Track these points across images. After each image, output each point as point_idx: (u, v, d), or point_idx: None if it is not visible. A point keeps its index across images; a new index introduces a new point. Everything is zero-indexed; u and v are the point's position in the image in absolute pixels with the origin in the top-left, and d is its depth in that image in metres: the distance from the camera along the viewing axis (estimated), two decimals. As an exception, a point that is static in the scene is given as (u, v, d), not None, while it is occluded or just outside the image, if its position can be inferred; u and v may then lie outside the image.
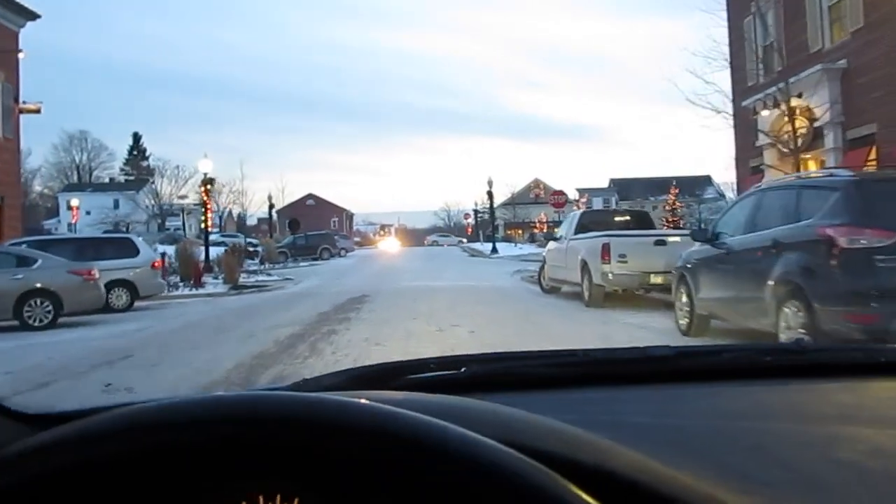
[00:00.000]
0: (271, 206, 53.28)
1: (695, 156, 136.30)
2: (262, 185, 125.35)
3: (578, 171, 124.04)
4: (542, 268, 19.24)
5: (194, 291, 21.49)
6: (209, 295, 20.90)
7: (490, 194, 48.50)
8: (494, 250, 46.83)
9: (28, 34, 28.02)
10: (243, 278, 27.76)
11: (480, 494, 0.56)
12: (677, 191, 48.08)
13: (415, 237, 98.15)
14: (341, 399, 0.65)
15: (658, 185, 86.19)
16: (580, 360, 1.26)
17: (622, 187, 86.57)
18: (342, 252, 50.27)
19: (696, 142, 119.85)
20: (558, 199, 31.10)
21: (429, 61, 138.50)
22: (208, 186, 29.82)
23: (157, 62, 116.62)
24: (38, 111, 29.41)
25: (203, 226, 30.95)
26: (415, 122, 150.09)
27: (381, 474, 0.60)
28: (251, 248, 44.46)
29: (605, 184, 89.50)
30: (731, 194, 67.67)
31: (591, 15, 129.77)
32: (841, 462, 0.78)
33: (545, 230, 74.86)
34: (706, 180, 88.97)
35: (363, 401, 0.65)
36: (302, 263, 42.58)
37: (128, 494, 0.62)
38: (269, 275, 29.27)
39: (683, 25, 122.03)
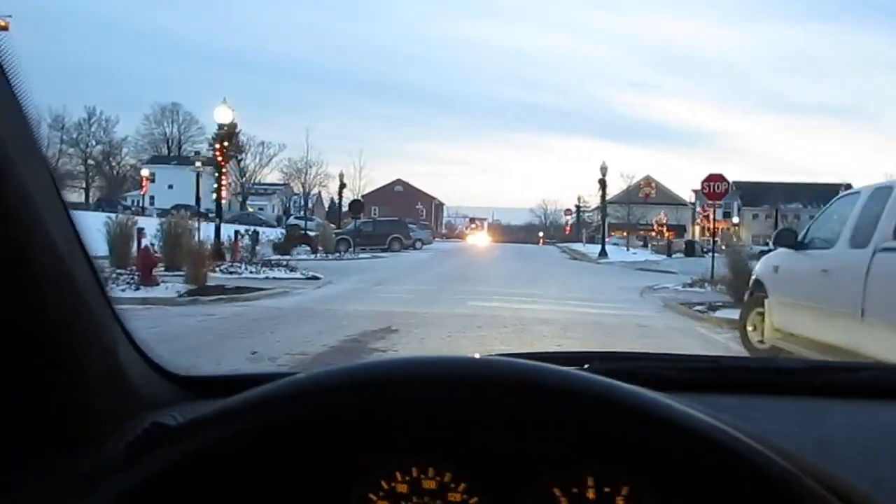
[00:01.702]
0: (342, 186, 44.50)
1: (825, 163, 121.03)
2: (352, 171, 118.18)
3: (691, 174, 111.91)
4: (750, 302, 9.27)
5: (126, 294, 12.42)
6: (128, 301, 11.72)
7: (603, 183, 38.29)
8: (603, 254, 36.68)
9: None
10: (247, 274, 18.72)
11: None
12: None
13: (509, 234, 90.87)
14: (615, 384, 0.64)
15: (788, 191, 74.26)
16: (707, 366, 1.20)
17: (746, 192, 74.58)
18: (417, 244, 41.06)
19: (827, 149, 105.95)
20: (716, 188, 20.83)
21: (532, 58, 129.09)
22: (225, 142, 20.88)
23: (265, 48, 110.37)
24: (5, 28, 21.14)
25: (236, 199, 22.06)
26: (516, 119, 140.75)
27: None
28: (306, 234, 35.84)
29: (736, 175, 77.45)
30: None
31: (703, 17, 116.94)
32: None
33: (663, 233, 64.17)
34: (844, 188, 76.39)
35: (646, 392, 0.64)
36: (362, 255, 33.53)
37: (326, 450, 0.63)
38: (292, 270, 20.13)
39: (798, 32, 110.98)
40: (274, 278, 18.31)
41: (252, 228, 27.38)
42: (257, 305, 12.89)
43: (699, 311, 13.94)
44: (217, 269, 18.61)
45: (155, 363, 0.86)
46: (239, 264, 20.05)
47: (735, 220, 73.57)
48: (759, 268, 9.34)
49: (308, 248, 33.35)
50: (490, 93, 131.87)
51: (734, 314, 13.22)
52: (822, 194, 75.18)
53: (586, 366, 1.07)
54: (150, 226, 19.07)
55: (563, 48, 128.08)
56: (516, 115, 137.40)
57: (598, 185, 38.80)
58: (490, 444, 0.63)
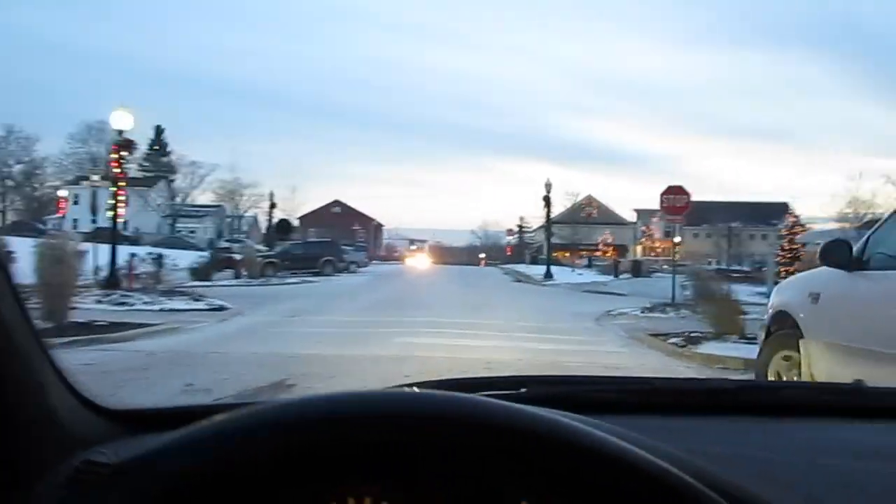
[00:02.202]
0: (272, 206, 41.36)
1: (761, 183, 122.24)
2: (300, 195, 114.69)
3: (632, 195, 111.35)
4: (773, 342, 6.61)
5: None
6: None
7: (548, 200, 36.01)
8: (549, 275, 34.39)
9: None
10: (141, 305, 15.70)
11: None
12: (793, 217, 34.88)
13: (450, 255, 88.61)
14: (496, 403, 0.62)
15: (728, 210, 73.51)
16: (640, 388, 1.23)
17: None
18: (352, 267, 38.17)
19: (762, 170, 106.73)
20: (676, 202, 18.61)
21: (474, 81, 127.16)
22: (123, 154, 17.88)
23: (200, 68, 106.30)
24: None
25: (166, 221, 19.09)
26: (458, 141, 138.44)
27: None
28: (230, 258, 32.72)
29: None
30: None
31: (644, 42, 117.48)
32: None
33: (607, 253, 62.46)
34: (782, 207, 76.24)
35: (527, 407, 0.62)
36: (289, 280, 30.53)
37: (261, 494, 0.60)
38: (197, 299, 17.16)
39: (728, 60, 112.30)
40: (171, 310, 15.35)
41: (156, 252, 24.22)
42: (125, 349, 10.00)
43: (676, 344, 11.52)
44: (103, 300, 15.59)
45: (86, 398, 0.81)
46: (131, 294, 16.99)
47: (677, 239, 72.60)
48: (783, 295, 6.78)
49: (233, 273, 30.32)
50: (433, 115, 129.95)
51: (722, 349, 10.84)
52: (762, 213, 75.08)
53: (523, 390, 1.06)
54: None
55: (506, 71, 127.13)
56: (459, 137, 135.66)
57: (542, 203, 36.57)
58: (430, 479, 0.60)
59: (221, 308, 16.20)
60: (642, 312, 17.78)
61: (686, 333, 12.39)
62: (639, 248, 73.78)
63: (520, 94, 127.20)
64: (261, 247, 40.59)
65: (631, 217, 76.35)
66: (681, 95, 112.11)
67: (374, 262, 56.48)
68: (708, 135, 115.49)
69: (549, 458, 0.58)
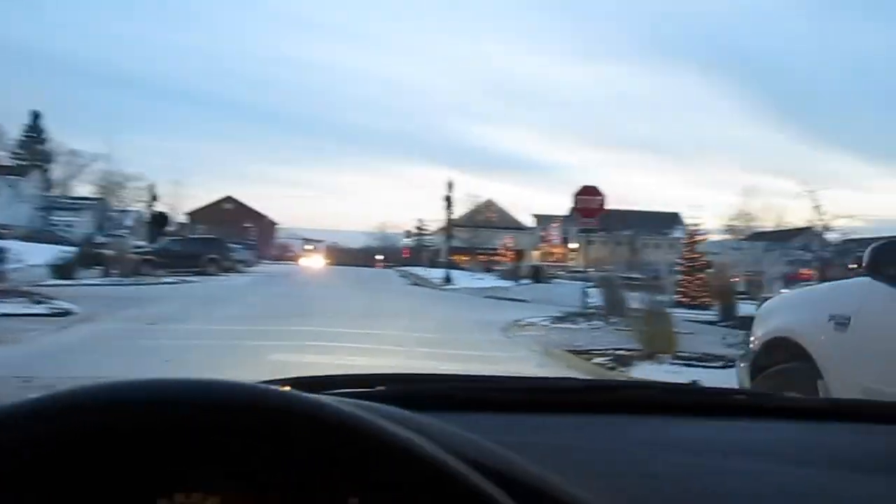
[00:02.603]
0: (153, 199, 37.94)
1: (649, 194, 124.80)
2: (189, 191, 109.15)
3: (529, 202, 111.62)
4: (771, 378, 4.59)
5: None
6: None
7: (449, 201, 34.19)
8: (448, 280, 32.61)
9: None
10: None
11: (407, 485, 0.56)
12: (696, 225, 34.19)
13: (347, 256, 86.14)
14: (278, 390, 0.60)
15: (623, 218, 73.77)
16: (492, 386, 1.26)
17: (584, 217, 73.54)
18: (239, 266, 35.32)
19: (651, 181, 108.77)
20: (590, 204, 17.06)
21: (375, 83, 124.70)
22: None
23: (91, 55, 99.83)
24: None
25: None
26: (357, 143, 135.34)
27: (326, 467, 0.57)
28: (99, 254, 29.41)
29: (565, 212, 76.34)
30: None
31: (545, 54, 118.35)
32: (727, 494, 0.83)
33: (506, 258, 61.35)
34: (673, 218, 77.55)
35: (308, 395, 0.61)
36: (166, 279, 27.55)
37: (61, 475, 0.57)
38: (39, 302, 14.40)
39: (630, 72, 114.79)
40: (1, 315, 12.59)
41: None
42: None
43: (603, 365, 9.79)
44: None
45: None
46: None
47: (573, 245, 72.49)
48: (784, 317, 4.78)
49: (102, 270, 27.12)
50: (332, 115, 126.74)
51: (659, 372, 9.18)
52: (654, 222, 76.02)
53: (381, 388, 1.08)
54: None
55: (408, 75, 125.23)
56: (358, 138, 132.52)
57: (441, 206, 34.75)
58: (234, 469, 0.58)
59: (66, 313, 13.52)
60: (552, 322, 16.14)
61: (611, 351, 10.71)
62: (536, 254, 73.36)
63: (421, 98, 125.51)
64: (141, 243, 37.20)
65: (530, 222, 75.83)
66: (578, 106, 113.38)
67: (265, 261, 53.44)
68: (603, 145, 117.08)
69: (318, 440, 0.56)
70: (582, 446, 0.95)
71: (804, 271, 53.64)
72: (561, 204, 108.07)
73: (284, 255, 74.29)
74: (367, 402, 0.74)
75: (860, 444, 1.13)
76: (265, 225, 73.78)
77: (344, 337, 11.69)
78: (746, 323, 17.75)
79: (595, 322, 15.98)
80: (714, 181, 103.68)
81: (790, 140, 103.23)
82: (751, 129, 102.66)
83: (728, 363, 9.65)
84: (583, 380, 1.52)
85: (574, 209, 17.25)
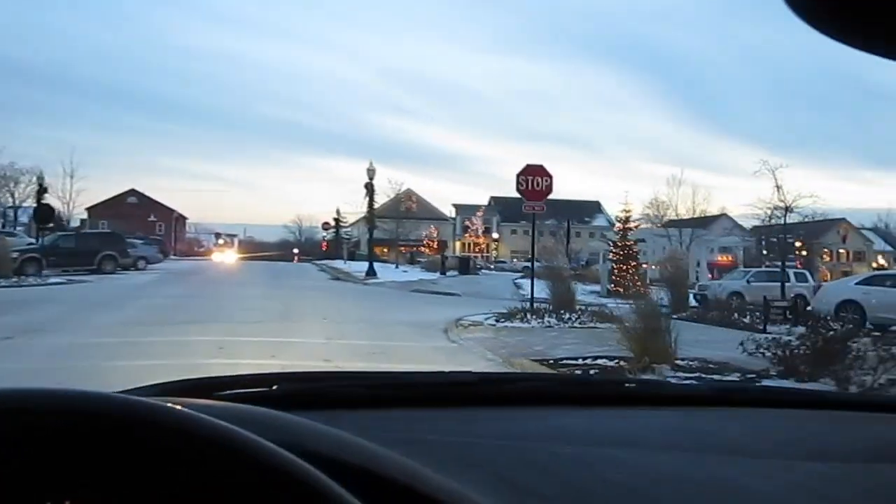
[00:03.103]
0: (41, 192, 33.98)
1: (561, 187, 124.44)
2: (93, 185, 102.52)
3: (447, 194, 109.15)
4: None
5: None
6: None
7: (370, 188, 31.56)
8: (372, 272, 30.13)
9: None
10: None
11: (242, 485, 0.56)
12: (627, 212, 32.56)
13: (262, 250, 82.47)
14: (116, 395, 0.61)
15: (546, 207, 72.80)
16: (388, 383, 1.27)
17: (505, 206, 72.01)
18: (140, 263, 31.91)
19: (561, 173, 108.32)
20: (536, 184, 14.90)
21: (289, 76, 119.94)
22: None
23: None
24: None
25: None
26: (272, 136, 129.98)
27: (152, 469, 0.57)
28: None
29: (484, 200, 74.73)
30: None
31: (459, 48, 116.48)
32: (608, 480, 0.85)
33: (430, 249, 59.11)
34: (595, 206, 76.83)
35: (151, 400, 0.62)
36: (53, 279, 24.22)
37: None
38: None
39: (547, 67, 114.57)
40: None
41: None
42: None
43: (589, 382, 7.65)
44: None
45: None
46: None
47: (495, 235, 70.95)
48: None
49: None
50: (246, 108, 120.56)
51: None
52: (576, 211, 74.96)
53: (275, 387, 1.06)
54: None
55: (321, 68, 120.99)
56: (273, 131, 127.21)
57: (361, 195, 32.02)
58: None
59: None
60: (499, 321, 13.97)
61: (590, 360, 8.58)
62: (458, 245, 71.46)
63: (335, 91, 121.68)
64: (31, 240, 33.34)
65: (450, 213, 73.84)
66: (492, 100, 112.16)
67: (173, 257, 49.64)
68: (517, 138, 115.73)
69: (155, 441, 0.56)
70: (467, 439, 0.95)
71: (722, 258, 53.38)
72: (479, 195, 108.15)
73: (195, 250, 70.13)
74: (224, 405, 0.76)
75: (736, 428, 1.16)
76: (174, 219, 69.31)
77: (252, 350, 9.22)
78: (705, 316, 15.76)
79: (547, 320, 13.90)
80: (626, 172, 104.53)
81: (696, 132, 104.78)
82: (660, 122, 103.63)
83: (746, 374, 7.64)
84: (477, 373, 1.37)
85: (519, 191, 15.13)
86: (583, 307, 15.05)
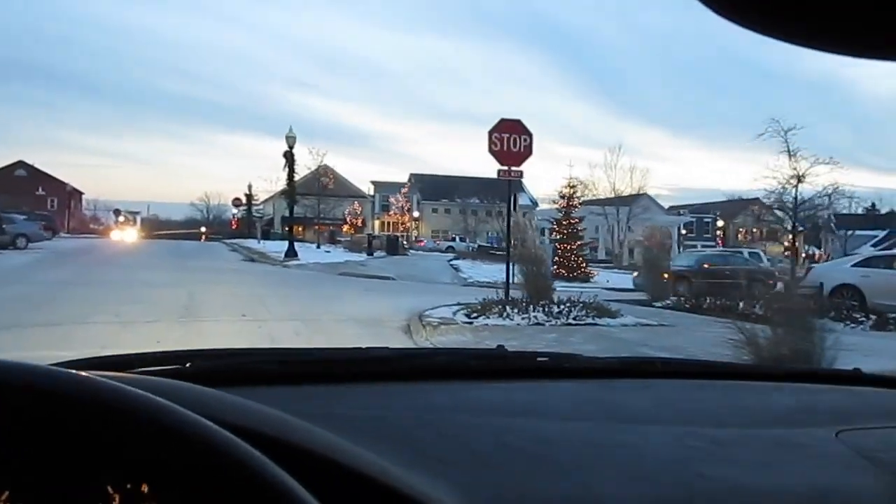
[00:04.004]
0: None
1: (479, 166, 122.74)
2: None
3: (361, 174, 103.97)
4: None
5: None
6: None
7: (290, 157, 27.58)
8: (292, 253, 26.33)
9: None
10: None
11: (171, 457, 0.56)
12: (572, 187, 29.66)
13: (167, 228, 76.92)
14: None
15: (465, 185, 69.59)
16: (305, 359, 1.26)
17: (426, 184, 68.95)
18: (20, 241, 27.11)
19: (478, 152, 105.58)
20: (512, 144, 11.68)
21: (191, 50, 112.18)
22: None
23: None
24: None
25: None
26: (175, 111, 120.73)
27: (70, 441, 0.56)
28: None
29: (404, 178, 71.19)
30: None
31: (366, 23, 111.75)
32: (510, 446, 0.89)
33: (354, 228, 55.24)
34: (517, 185, 74.00)
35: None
36: None
37: None
38: None
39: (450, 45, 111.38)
40: None
41: None
42: None
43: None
44: None
45: None
46: None
47: (416, 213, 67.58)
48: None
49: None
50: (145, 82, 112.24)
51: None
52: (498, 188, 72.40)
53: (188, 364, 1.04)
54: None
55: (226, 42, 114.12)
56: (176, 106, 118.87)
57: (281, 163, 27.89)
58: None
59: None
60: (472, 317, 10.75)
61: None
62: (377, 223, 67.79)
63: (241, 66, 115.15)
64: None
65: (368, 190, 70.00)
66: (404, 78, 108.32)
67: (63, 235, 44.32)
68: (430, 117, 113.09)
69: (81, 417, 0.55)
70: (382, 413, 0.95)
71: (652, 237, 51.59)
72: (392, 174, 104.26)
73: (91, 228, 64.00)
74: (144, 377, 0.74)
75: (642, 397, 1.20)
76: (67, 194, 62.99)
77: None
78: (686, 305, 12.84)
79: (533, 314, 10.78)
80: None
81: (604, 113, 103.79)
82: (570, 103, 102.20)
83: None
84: (396, 349, 1.40)
85: (492, 152, 11.93)
86: (566, 297, 11.98)
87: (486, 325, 10.22)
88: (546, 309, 11.09)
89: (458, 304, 11.95)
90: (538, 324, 10.39)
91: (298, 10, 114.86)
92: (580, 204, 30.25)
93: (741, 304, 13.50)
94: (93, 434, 0.54)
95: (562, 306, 11.28)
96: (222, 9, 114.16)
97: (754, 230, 72.75)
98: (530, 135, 12.10)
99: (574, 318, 10.82)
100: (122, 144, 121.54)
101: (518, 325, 10.28)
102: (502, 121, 12.10)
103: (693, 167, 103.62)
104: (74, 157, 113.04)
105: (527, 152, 12.07)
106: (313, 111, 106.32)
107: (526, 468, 0.84)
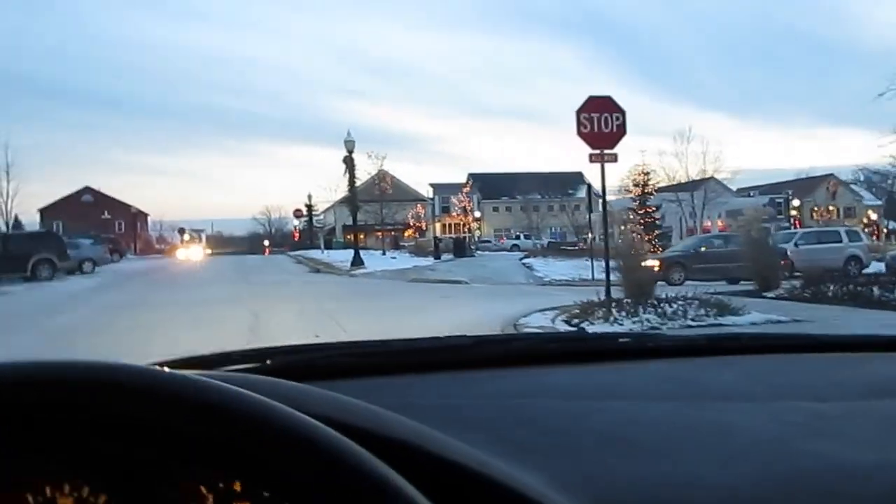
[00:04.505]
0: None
1: (527, 161, 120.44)
2: (40, 187, 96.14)
3: (415, 177, 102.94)
4: None
5: None
6: None
7: (349, 162, 26.54)
8: (359, 261, 25.25)
9: None
10: None
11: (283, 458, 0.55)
12: (646, 173, 27.89)
13: (231, 244, 77.50)
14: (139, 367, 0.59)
15: (524, 181, 67.91)
16: (380, 351, 1.24)
17: (485, 183, 67.38)
18: (86, 265, 26.69)
19: (524, 147, 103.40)
20: (604, 124, 10.16)
21: (241, 64, 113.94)
22: None
23: None
24: None
25: None
26: (230, 127, 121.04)
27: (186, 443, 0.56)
28: None
29: (461, 178, 69.85)
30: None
31: (411, 27, 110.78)
32: (592, 430, 0.86)
33: (421, 232, 54.25)
34: (578, 177, 71.90)
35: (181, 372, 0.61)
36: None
37: None
38: None
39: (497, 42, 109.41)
40: None
41: None
42: None
43: None
44: None
45: None
46: None
47: (477, 213, 66.05)
48: None
49: None
50: (199, 99, 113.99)
51: None
52: (557, 183, 70.46)
53: (268, 362, 1.03)
54: None
55: (276, 55, 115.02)
56: (230, 122, 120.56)
57: (342, 170, 26.87)
58: (109, 451, 0.56)
59: None
60: (573, 324, 9.32)
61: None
62: (437, 226, 66.62)
63: (291, 79, 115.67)
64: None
65: (427, 193, 68.87)
66: (451, 78, 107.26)
67: (130, 256, 44.41)
68: (477, 116, 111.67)
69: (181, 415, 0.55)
70: (459, 402, 0.94)
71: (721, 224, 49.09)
72: (449, 174, 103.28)
73: (158, 248, 64.51)
74: (245, 376, 0.75)
75: (731, 374, 1.15)
76: (133, 216, 63.59)
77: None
78: (805, 294, 11.20)
79: (645, 317, 9.28)
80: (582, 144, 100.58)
81: (653, 99, 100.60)
82: (620, 91, 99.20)
83: None
84: (471, 336, 1.29)
85: (581, 134, 10.45)
86: (676, 296, 10.42)
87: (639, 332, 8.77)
88: (658, 309, 9.58)
89: (553, 308, 10.52)
90: (654, 328, 8.89)
91: (341, 20, 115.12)
92: (655, 191, 28.45)
93: (875, 291, 11.75)
94: (194, 433, 0.54)
95: (674, 305, 9.75)
96: (267, 23, 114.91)
97: (830, 208, 69.13)
98: (623, 112, 10.58)
99: (693, 319, 9.28)
100: (183, 163, 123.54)
101: (631, 330, 8.80)
102: (590, 98, 10.60)
103: (751, 148, 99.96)
104: (139, 178, 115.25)
105: (620, 132, 10.54)
106: (364, 118, 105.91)
107: (611, 452, 0.80)
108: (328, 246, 45.95)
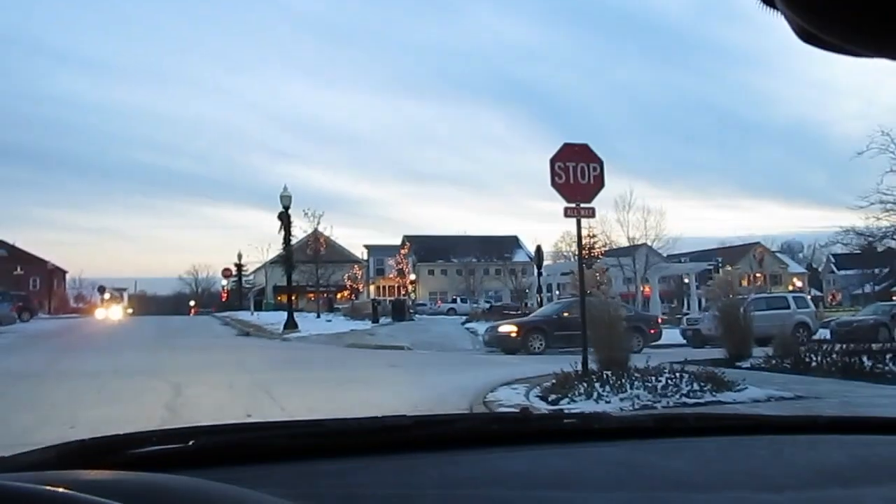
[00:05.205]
0: None
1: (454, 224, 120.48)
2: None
3: (346, 236, 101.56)
4: None
5: None
6: None
7: (285, 219, 24.85)
8: (292, 324, 23.41)
9: None
10: None
11: None
12: (593, 237, 27.13)
13: (156, 304, 74.13)
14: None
15: (460, 244, 67.19)
16: (314, 431, 1.15)
17: (420, 246, 66.30)
18: (-15, 327, 24.15)
19: (454, 213, 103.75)
20: (580, 175, 9.04)
21: (168, 123, 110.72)
22: None
23: None
24: None
25: None
26: (157, 186, 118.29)
27: None
28: None
29: (395, 241, 68.56)
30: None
31: (340, 91, 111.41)
32: None
33: (355, 293, 52.25)
34: (513, 241, 71.64)
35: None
36: None
37: None
38: None
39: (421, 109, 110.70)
40: None
41: None
42: None
43: None
44: None
45: None
46: None
47: (412, 276, 64.65)
48: None
49: None
50: (125, 157, 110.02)
51: None
52: (493, 247, 69.81)
53: (191, 443, 0.96)
54: None
55: (205, 115, 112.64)
56: (157, 180, 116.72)
57: (277, 226, 25.17)
58: None
59: None
60: (552, 401, 7.96)
61: None
62: (371, 288, 64.83)
63: (221, 139, 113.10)
64: None
65: (362, 255, 67.28)
66: (382, 143, 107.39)
67: (42, 315, 41.27)
68: (408, 180, 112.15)
69: None
70: (405, 491, 0.89)
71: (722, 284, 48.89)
72: (380, 237, 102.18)
73: (75, 307, 60.79)
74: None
75: (681, 459, 1.09)
76: (49, 273, 59.83)
77: None
78: (786, 364, 10.23)
79: (634, 392, 8.00)
80: (522, 210, 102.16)
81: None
82: (546, 159, 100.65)
83: None
84: (412, 416, 1.21)
85: (555, 185, 9.32)
86: (644, 365, 9.22)
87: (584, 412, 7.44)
88: (647, 383, 8.32)
89: (520, 381, 9.17)
90: (646, 405, 7.60)
91: (275, 83, 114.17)
92: (602, 254, 27.69)
93: (865, 362, 10.80)
94: None
95: (662, 378, 8.52)
96: (197, 83, 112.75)
97: (757, 275, 70.29)
98: (600, 162, 9.50)
99: (688, 395, 8.04)
100: (106, 220, 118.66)
101: (622, 410, 7.49)
102: (566, 146, 9.50)
103: (678, 216, 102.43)
104: (60, 235, 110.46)
105: (598, 183, 9.43)
106: (298, 179, 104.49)
107: None
108: (258, 307, 43.76)
